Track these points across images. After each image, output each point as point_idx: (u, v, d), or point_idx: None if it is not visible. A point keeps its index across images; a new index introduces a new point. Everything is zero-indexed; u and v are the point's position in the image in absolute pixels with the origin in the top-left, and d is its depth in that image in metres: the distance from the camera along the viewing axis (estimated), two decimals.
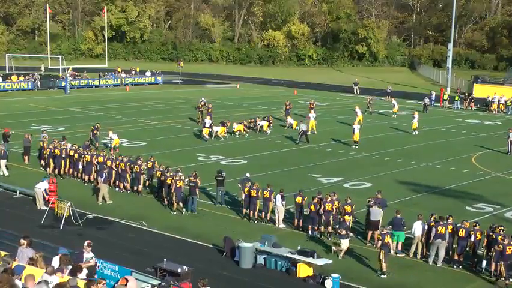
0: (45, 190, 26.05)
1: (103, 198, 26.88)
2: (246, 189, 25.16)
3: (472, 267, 20.92)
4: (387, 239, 20.26)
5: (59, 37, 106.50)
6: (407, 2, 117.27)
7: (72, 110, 52.87)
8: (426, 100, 59.10)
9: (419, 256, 21.65)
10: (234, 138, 42.22)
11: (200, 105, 48.33)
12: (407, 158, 37.39)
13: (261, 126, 44.21)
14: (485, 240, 20.97)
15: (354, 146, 39.82)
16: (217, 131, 41.63)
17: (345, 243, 21.37)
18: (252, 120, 45.23)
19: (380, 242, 20.43)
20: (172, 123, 47.42)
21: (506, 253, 19.80)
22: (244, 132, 43.22)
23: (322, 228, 23.36)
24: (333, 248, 21.66)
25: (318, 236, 23.21)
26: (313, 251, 20.27)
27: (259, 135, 43.35)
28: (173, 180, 25.87)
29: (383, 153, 38.72)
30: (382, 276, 20.02)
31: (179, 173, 26.40)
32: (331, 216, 23.27)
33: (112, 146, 35.47)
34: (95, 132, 37.57)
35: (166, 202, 26.59)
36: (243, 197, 25.46)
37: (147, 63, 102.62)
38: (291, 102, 51.07)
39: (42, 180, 26.70)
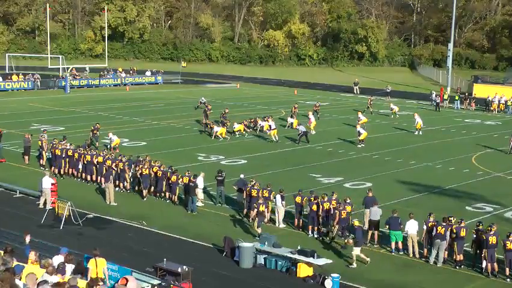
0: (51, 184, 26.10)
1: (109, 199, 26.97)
2: (247, 189, 25.22)
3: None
4: (262, 208, 22.84)
5: (59, 37, 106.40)
6: (407, 2, 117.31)
7: (72, 110, 52.87)
8: (438, 100, 59.64)
9: (417, 255, 21.66)
10: (234, 138, 42.22)
11: (206, 108, 48.27)
12: (407, 157, 37.40)
13: (262, 127, 44.17)
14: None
15: (360, 146, 39.93)
16: (217, 132, 41.61)
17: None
18: (252, 120, 45.26)
19: (255, 211, 22.74)
20: (172, 123, 47.41)
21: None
22: (244, 132, 43.23)
23: (322, 228, 23.37)
24: None
25: (318, 235, 23.21)
26: (313, 250, 20.27)
27: (259, 135, 43.31)
28: (139, 167, 27.78)
29: (383, 153, 38.73)
30: (257, 238, 22.00)
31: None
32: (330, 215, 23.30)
33: (112, 146, 35.46)
34: (95, 132, 37.58)
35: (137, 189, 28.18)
36: (244, 196, 25.52)
37: (147, 63, 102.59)
38: (298, 106, 51.04)
39: (48, 176, 26.61)
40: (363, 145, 40.14)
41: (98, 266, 16.04)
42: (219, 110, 48.35)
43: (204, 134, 42.93)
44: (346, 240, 21.47)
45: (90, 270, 15.79)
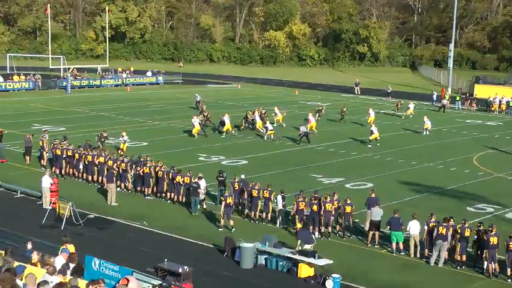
0: (50, 184, 26.10)
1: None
2: (248, 189, 25.28)
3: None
4: (229, 200, 23.64)
5: (60, 37, 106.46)
6: (408, 3, 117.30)
7: (73, 110, 52.89)
8: (445, 101, 59.84)
9: (418, 255, 21.66)
10: (233, 138, 42.20)
11: (202, 109, 48.34)
12: (409, 158, 37.39)
13: (253, 120, 44.26)
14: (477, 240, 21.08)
15: (369, 145, 40.27)
16: (194, 123, 41.59)
17: None
18: (252, 113, 45.30)
19: (223, 203, 23.69)
20: (173, 123, 47.40)
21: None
22: (233, 131, 43.18)
23: (322, 229, 23.40)
24: None
25: (319, 236, 23.20)
26: (314, 251, 20.27)
27: (259, 135, 43.27)
28: (141, 167, 27.96)
29: (384, 153, 38.73)
30: (220, 229, 23.50)
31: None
32: (331, 216, 23.38)
33: (121, 148, 34.98)
34: (102, 140, 36.20)
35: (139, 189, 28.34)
36: (245, 196, 25.60)
37: (148, 63, 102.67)
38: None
39: (48, 176, 26.60)
40: (377, 144, 40.23)
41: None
42: (217, 110, 48.40)
43: (205, 134, 42.89)
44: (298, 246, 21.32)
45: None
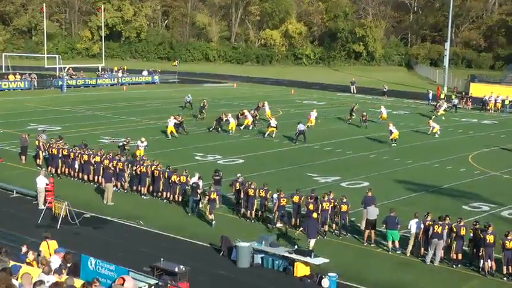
0: (46, 184, 26.03)
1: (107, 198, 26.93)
2: (244, 189, 25.29)
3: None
4: (213, 195, 24.21)
5: (55, 36, 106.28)
6: (404, 2, 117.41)
7: (69, 110, 52.81)
8: (456, 101, 59.80)
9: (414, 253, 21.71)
10: (232, 137, 42.19)
11: (203, 104, 48.42)
12: (404, 157, 37.43)
13: (226, 120, 43.92)
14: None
15: (394, 145, 40.36)
16: (168, 123, 41.62)
17: None
18: (243, 113, 45.40)
19: (207, 198, 24.40)
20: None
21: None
22: (233, 130, 43.20)
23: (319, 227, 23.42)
24: None
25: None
26: (310, 250, 20.28)
27: (257, 135, 43.28)
28: (137, 167, 28.02)
29: (380, 152, 38.77)
30: (213, 223, 23.83)
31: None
32: (328, 215, 23.42)
33: (137, 154, 34.27)
34: (125, 146, 34.41)
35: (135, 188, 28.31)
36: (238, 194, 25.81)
37: (144, 62, 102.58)
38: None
39: (43, 176, 26.53)
40: (393, 145, 40.29)
41: (50, 248, 16.85)
42: (214, 109, 48.35)
43: (201, 134, 42.88)
44: (297, 232, 22.83)
45: (43, 252, 16.32)
